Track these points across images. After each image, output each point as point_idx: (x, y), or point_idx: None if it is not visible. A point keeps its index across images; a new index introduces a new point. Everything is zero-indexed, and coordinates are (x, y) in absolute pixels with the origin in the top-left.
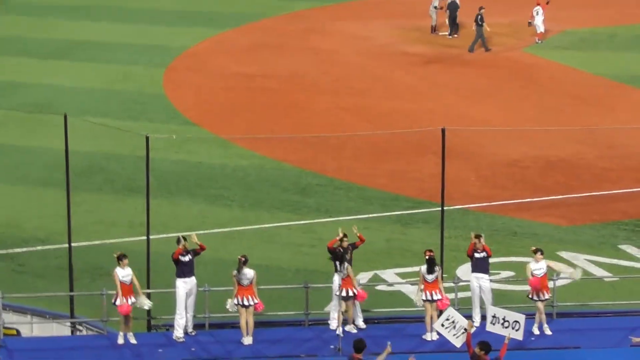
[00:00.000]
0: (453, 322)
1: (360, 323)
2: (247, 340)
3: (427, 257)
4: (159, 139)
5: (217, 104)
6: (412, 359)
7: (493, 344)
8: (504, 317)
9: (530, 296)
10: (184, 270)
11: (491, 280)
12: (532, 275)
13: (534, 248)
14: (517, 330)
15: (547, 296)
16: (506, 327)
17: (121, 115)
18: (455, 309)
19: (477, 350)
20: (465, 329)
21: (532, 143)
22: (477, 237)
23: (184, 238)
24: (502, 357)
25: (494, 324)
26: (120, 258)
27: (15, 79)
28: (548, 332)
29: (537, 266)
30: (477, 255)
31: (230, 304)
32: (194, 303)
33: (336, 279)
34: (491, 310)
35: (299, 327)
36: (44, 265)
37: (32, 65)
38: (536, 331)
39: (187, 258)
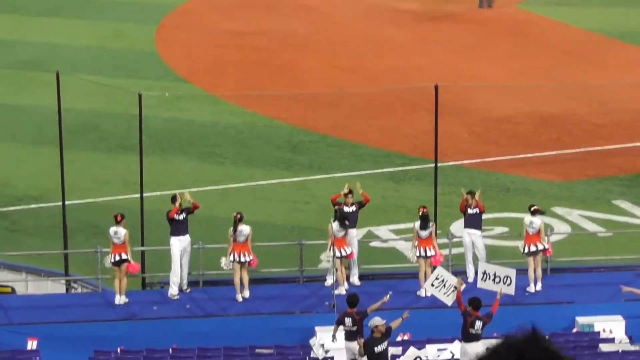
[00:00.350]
0: (443, 280)
1: (356, 280)
2: (242, 295)
3: (420, 213)
4: (152, 96)
5: (209, 62)
6: (406, 315)
7: (486, 300)
8: (495, 272)
9: (523, 251)
10: (179, 228)
11: (484, 236)
12: (525, 231)
13: (531, 205)
14: (508, 285)
15: (540, 247)
16: (497, 283)
17: (113, 73)
18: (449, 265)
19: (468, 308)
20: (455, 287)
21: (525, 99)
22: (469, 193)
23: (179, 196)
24: (494, 312)
25: (484, 281)
26: (118, 216)
27: (6, 36)
28: (536, 287)
29: (530, 221)
30: (469, 211)
31: (225, 262)
32: (188, 261)
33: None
34: (482, 266)
35: (293, 284)
36: (38, 224)
37: (23, 22)
38: (532, 288)
39: (181, 216)
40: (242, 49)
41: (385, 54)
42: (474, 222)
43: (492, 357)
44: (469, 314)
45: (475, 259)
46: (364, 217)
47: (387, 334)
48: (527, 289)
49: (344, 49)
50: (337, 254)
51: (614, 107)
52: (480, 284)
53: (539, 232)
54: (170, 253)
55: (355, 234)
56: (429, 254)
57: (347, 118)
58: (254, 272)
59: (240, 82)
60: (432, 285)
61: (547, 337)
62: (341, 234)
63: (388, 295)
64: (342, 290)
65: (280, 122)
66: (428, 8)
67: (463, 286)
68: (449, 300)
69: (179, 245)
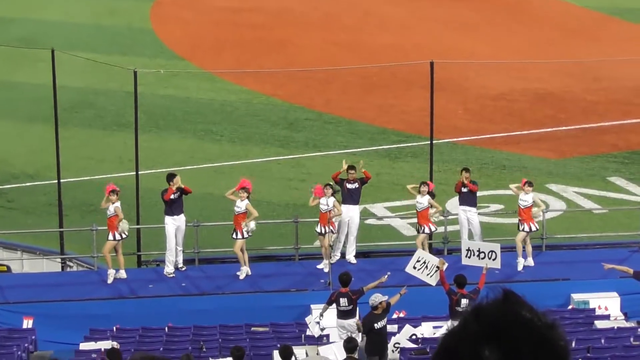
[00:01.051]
0: (424, 262)
1: (352, 259)
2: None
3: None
4: (147, 73)
5: (205, 39)
6: (404, 291)
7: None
8: (479, 248)
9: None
10: (173, 208)
11: (480, 214)
12: (518, 205)
13: (526, 181)
14: (494, 259)
15: (534, 228)
16: (482, 259)
17: (109, 50)
18: (445, 242)
19: (453, 285)
20: (437, 267)
21: (521, 76)
22: (465, 170)
23: (174, 175)
24: (481, 288)
25: (469, 257)
26: (111, 193)
27: (2, 14)
28: (522, 265)
29: (524, 197)
30: (463, 189)
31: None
32: (182, 239)
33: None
34: (465, 244)
35: (289, 262)
36: (34, 202)
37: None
38: (531, 262)
39: (176, 196)
40: (238, 25)
41: (381, 31)
42: (468, 199)
43: (461, 329)
44: (453, 292)
45: (471, 237)
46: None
47: (386, 311)
48: (520, 264)
49: (341, 25)
50: (324, 230)
51: (609, 84)
52: (464, 261)
53: (530, 207)
54: (165, 232)
55: (357, 212)
56: (426, 230)
57: (343, 95)
58: (250, 250)
59: (236, 59)
60: (414, 267)
61: (522, 301)
62: (325, 208)
63: (386, 276)
64: (326, 267)
65: (276, 99)
66: None
67: (445, 265)
68: (432, 280)
69: (173, 224)
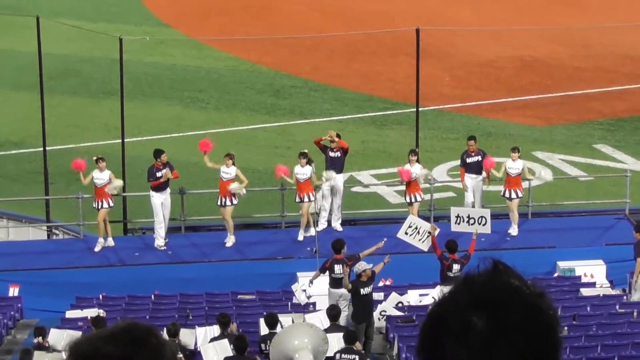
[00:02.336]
0: (416, 228)
1: (338, 226)
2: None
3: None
4: (133, 41)
5: (190, 6)
6: (387, 259)
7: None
8: (469, 214)
9: (503, 194)
10: (159, 184)
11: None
12: (507, 173)
13: (512, 147)
14: (483, 225)
15: (520, 195)
16: (472, 225)
17: (95, 17)
18: (431, 210)
19: (444, 251)
20: (429, 232)
21: (507, 43)
22: (471, 138)
23: (162, 151)
24: (472, 253)
25: (458, 224)
26: (97, 160)
27: None
28: (513, 232)
29: (513, 165)
30: (469, 160)
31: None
32: (168, 213)
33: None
34: (454, 210)
35: (275, 230)
36: (19, 169)
37: None
38: (514, 231)
39: (162, 172)
40: None
41: None
42: (474, 167)
43: (450, 298)
44: (445, 257)
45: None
46: (345, 161)
47: (372, 278)
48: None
49: None
50: (303, 198)
51: (596, 51)
52: (454, 227)
53: (519, 175)
54: (151, 204)
55: (341, 179)
56: (416, 199)
57: (329, 62)
58: (236, 218)
59: (222, 26)
60: (406, 233)
61: (511, 271)
62: (303, 177)
63: (383, 242)
64: (300, 236)
65: (262, 66)
66: None
67: (437, 231)
68: (424, 246)
69: (159, 197)
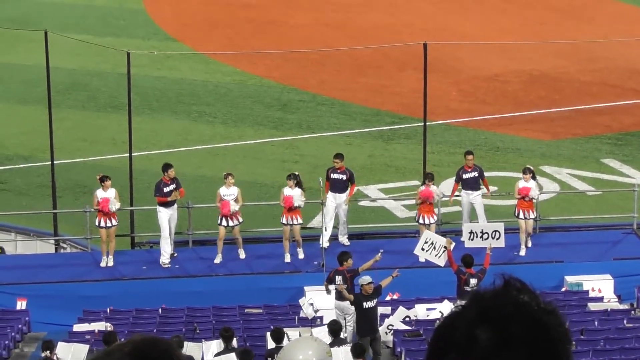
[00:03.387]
0: (432, 243)
1: (345, 240)
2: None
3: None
4: (141, 55)
5: (197, 20)
6: (396, 273)
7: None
8: (482, 229)
9: (517, 215)
10: (166, 200)
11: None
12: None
13: (525, 168)
14: (497, 239)
15: (532, 215)
16: (486, 239)
17: (102, 31)
18: (439, 224)
19: (461, 266)
20: (445, 247)
21: (514, 57)
22: (468, 153)
23: (170, 165)
24: (487, 267)
25: (472, 240)
26: (102, 180)
27: None
28: (522, 252)
29: (527, 185)
30: (465, 176)
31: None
32: (175, 227)
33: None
34: (467, 227)
35: (282, 243)
36: (27, 183)
37: None
38: (522, 252)
39: (170, 188)
40: (231, 6)
41: (374, 11)
42: (472, 183)
43: (459, 311)
44: (462, 272)
45: (474, 219)
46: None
47: (377, 293)
48: (519, 252)
49: (332, 5)
50: (290, 221)
51: (603, 65)
52: (467, 244)
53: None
54: (158, 221)
55: (344, 198)
56: (431, 221)
57: (337, 76)
58: (243, 232)
59: (229, 40)
60: (423, 249)
61: (523, 287)
62: (297, 203)
63: (379, 254)
64: (287, 257)
65: (270, 80)
66: None
67: (452, 245)
68: (441, 261)
69: (166, 212)
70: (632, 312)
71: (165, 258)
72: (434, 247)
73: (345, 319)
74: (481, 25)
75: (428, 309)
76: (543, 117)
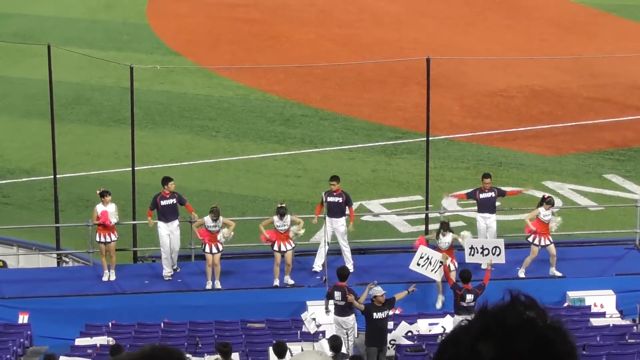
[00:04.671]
0: (427, 258)
1: (350, 267)
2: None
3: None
4: (143, 69)
5: (201, 34)
6: (412, 288)
7: (478, 275)
8: (482, 245)
9: (532, 240)
10: (166, 213)
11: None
12: (539, 220)
13: (545, 196)
14: (498, 255)
15: (548, 242)
16: (486, 255)
17: (105, 45)
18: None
19: (458, 281)
20: (441, 262)
21: (517, 72)
22: (485, 176)
23: (169, 179)
24: (486, 283)
25: (472, 255)
26: (102, 194)
27: None
28: (522, 274)
29: (545, 213)
30: (482, 195)
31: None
32: (177, 244)
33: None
34: (468, 242)
35: (284, 258)
36: (29, 197)
37: None
38: (522, 274)
39: (170, 202)
40: (234, 21)
41: (379, 27)
42: (488, 206)
43: (464, 325)
44: (458, 287)
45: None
46: (355, 190)
47: (389, 304)
48: (519, 272)
49: (336, 21)
50: (277, 247)
51: (605, 81)
52: (468, 259)
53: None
54: (158, 236)
55: (342, 222)
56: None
57: (340, 91)
58: (245, 247)
59: (232, 55)
60: (418, 264)
61: (530, 303)
62: (283, 228)
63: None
64: (276, 282)
65: (273, 95)
66: None
67: (448, 260)
68: (437, 276)
69: (166, 229)
70: (635, 327)
71: (166, 271)
72: (430, 262)
73: (346, 334)
74: (485, 41)
75: (430, 324)
76: (546, 133)
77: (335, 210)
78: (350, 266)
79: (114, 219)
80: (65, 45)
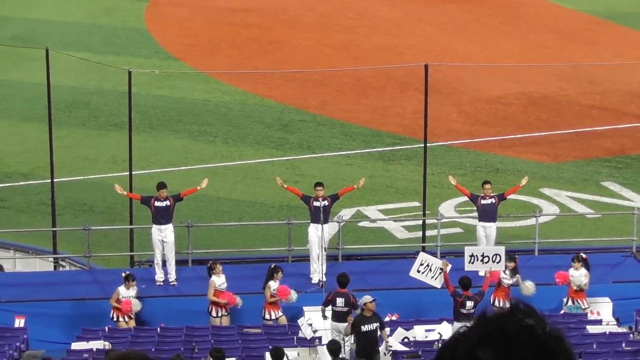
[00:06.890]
0: (428, 265)
1: (322, 277)
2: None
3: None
4: (142, 74)
5: (200, 39)
6: (446, 265)
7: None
8: (482, 253)
9: (565, 303)
10: (159, 216)
11: (474, 217)
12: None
13: (584, 256)
14: (498, 262)
15: (585, 305)
16: (486, 262)
17: (104, 49)
18: (438, 245)
19: (458, 288)
20: (441, 269)
21: (515, 79)
22: (486, 183)
23: (163, 186)
24: (486, 290)
25: (472, 263)
26: (127, 278)
27: None
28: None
29: (576, 274)
30: (483, 201)
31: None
32: (171, 251)
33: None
34: (468, 250)
35: (282, 263)
36: (27, 201)
37: None
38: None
39: (164, 204)
40: (233, 26)
41: (378, 33)
42: (488, 214)
43: (463, 332)
44: (458, 294)
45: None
46: (353, 196)
47: (377, 316)
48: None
49: (335, 26)
50: (268, 316)
51: (603, 88)
52: (467, 267)
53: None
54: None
55: (327, 229)
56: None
57: (338, 97)
58: (243, 252)
59: (231, 60)
60: (418, 271)
61: (530, 311)
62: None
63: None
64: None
65: (271, 100)
66: None
67: (449, 267)
68: (437, 283)
69: (158, 234)
70: (631, 335)
71: (158, 275)
72: (430, 269)
73: (343, 339)
74: (484, 48)
75: (427, 330)
76: (544, 140)
77: (322, 215)
78: (317, 275)
79: (135, 309)
80: (64, 49)
